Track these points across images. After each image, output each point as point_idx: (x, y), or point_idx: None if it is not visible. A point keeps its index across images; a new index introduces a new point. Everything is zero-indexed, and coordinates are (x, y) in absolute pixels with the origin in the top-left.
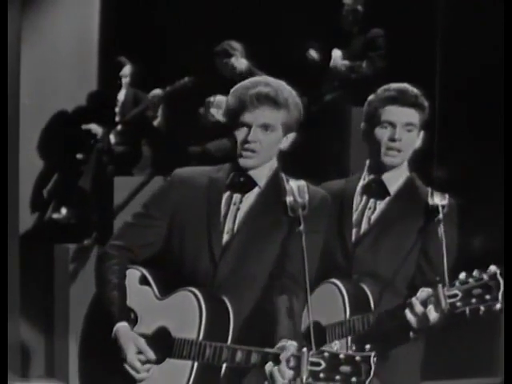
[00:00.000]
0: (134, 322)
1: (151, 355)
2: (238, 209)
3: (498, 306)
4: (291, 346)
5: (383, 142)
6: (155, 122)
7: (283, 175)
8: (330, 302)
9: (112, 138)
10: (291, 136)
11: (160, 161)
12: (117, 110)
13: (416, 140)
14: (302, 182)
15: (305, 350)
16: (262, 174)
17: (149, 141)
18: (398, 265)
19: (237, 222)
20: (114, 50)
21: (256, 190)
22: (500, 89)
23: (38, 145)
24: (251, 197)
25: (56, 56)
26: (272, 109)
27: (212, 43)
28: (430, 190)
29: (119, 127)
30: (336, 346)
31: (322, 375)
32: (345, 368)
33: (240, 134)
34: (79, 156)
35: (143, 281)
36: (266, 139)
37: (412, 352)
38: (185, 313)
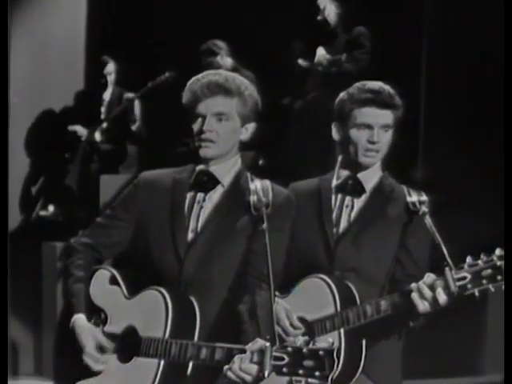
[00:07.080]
0: (104, 321)
1: (109, 346)
2: (201, 207)
3: None
4: (259, 340)
5: (361, 144)
6: (133, 127)
7: (248, 174)
8: (317, 296)
9: (97, 137)
10: (251, 127)
11: (146, 159)
12: (102, 109)
13: (389, 138)
14: (267, 182)
15: (268, 344)
16: (224, 172)
17: (134, 139)
18: (379, 260)
19: (200, 220)
20: (101, 50)
21: (220, 189)
22: (485, 86)
23: (26, 143)
24: (215, 196)
25: (45, 55)
26: (224, 97)
27: (198, 42)
28: (405, 188)
29: (104, 125)
30: (299, 341)
31: (284, 369)
32: (308, 362)
33: (196, 125)
34: (66, 155)
35: (113, 281)
36: (222, 128)
37: (393, 348)
38: (152, 312)
